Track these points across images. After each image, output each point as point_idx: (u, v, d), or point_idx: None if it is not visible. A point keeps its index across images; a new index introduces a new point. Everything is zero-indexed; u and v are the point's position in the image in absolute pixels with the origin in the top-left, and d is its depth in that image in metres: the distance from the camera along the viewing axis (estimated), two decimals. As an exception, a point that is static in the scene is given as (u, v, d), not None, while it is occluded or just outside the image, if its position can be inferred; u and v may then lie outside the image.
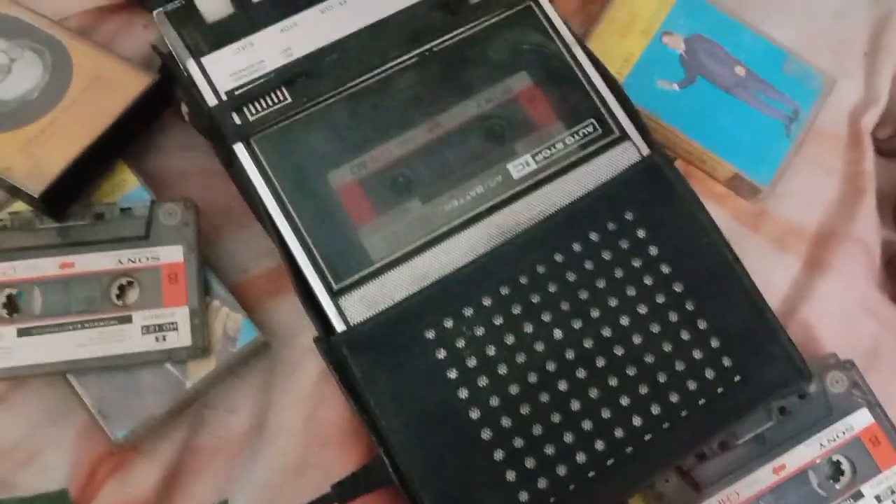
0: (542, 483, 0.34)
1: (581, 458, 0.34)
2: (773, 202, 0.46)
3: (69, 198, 0.39)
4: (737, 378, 0.36)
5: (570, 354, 0.35)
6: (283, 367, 0.42)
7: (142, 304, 0.39)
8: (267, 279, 0.43)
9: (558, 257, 0.36)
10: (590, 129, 0.39)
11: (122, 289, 0.39)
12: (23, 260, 0.39)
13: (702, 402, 0.35)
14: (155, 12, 0.39)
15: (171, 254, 0.40)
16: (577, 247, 0.36)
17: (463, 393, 0.34)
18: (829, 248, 0.46)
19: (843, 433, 0.40)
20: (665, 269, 0.37)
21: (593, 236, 0.37)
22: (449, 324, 0.35)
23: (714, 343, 0.36)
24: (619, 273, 0.36)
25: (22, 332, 0.38)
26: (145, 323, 0.39)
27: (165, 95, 0.41)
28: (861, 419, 0.40)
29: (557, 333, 0.35)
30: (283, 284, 0.43)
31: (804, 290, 0.45)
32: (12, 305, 0.39)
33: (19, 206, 0.40)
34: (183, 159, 0.44)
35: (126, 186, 0.41)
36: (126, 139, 0.41)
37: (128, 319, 0.39)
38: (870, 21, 0.51)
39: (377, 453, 0.34)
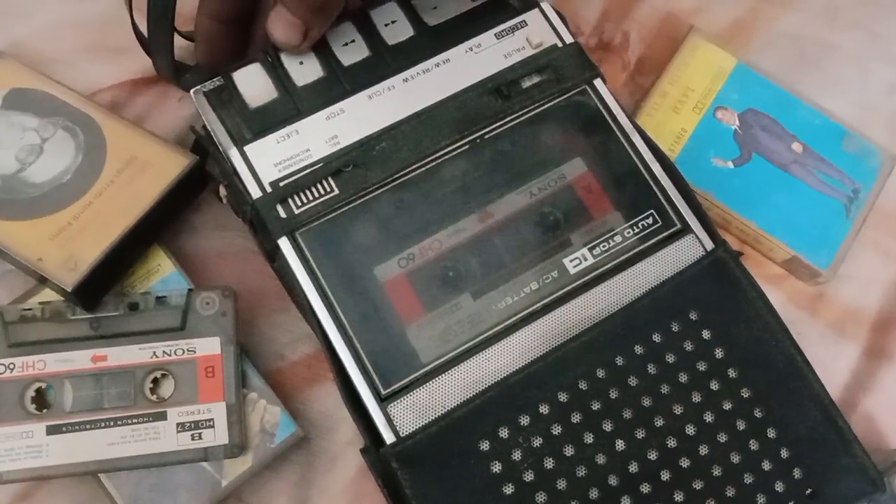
0: None
1: (646, 580, 0.32)
2: (832, 285, 0.44)
3: (103, 288, 0.38)
4: (808, 491, 0.34)
5: (633, 467, 0.33)
6: (321, 460, 0.40)
7: (177, 400, 0.37)
8: (304, 366, 0.41)
9: (619, 361, 0.34)
10: (649, 220, 0.37)
11: (155, 381, 0.38)
12: (53, 353, 0.37)
13: (771, 517, 0.33)
14: (192, 92, 0.37)
15: (208, 346, 0.38)
16: (639, 349, 0.34)
17: (521, 511, 0.32)
18: (891, 335, 0.44)
19: (913, 539, 0.38)
20: (732, 373, 0.35)
21: (656, 338, 0.35)
22: (504, 434, 0.33)
23: (784, 454, 0.34)
24: (683, 378, 0.34)
25: (52, 430, 0.36)
26: (180, 420, 0.37)
27: (202, 176, 0.40)
28: (932, 524, 0.38)
29: (620, 444, 0.33)
30: (320, 372, 0.41)
31: (865, 379, 0.43)
32: (42, 401, 0.37)
33: (49, 294, 0.38)
34: (218, 239, 0.42)
35: (161, 271, 0.39)
36: (162, 223, 0.39)
37: (162, 416, 0.37)
38: (927, 94, 0.49)
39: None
